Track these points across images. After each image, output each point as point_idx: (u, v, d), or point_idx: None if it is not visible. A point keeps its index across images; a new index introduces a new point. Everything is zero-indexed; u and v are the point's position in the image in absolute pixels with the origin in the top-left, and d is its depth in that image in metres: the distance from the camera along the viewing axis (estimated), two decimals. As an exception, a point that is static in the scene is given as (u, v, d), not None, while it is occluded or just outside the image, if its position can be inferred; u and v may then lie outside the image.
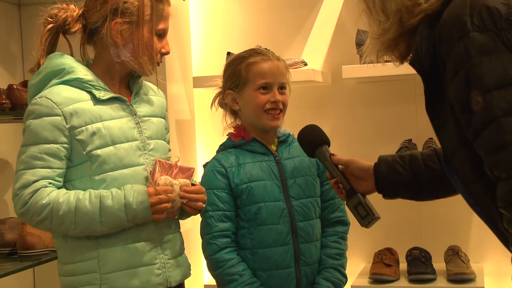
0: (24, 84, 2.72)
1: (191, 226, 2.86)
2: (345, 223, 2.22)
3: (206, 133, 3.18)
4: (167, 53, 1.97)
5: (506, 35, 1.23)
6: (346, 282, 2.20)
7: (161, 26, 1.93)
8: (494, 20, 1.24)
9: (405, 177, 1.82)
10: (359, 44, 2.83)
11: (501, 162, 1.22)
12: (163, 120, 2.05)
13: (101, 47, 1.93)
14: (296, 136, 2.10)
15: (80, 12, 1.93)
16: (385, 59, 2.50)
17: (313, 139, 1.98)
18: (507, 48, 1.23)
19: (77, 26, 1.93)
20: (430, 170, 1.78)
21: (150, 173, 1.88)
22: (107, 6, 1.88)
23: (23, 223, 2.58)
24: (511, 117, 1.21)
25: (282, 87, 2.15)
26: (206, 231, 2.11)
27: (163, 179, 1.87)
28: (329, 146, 1.97)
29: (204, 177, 2.16)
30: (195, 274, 2.54)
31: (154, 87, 2.08)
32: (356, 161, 1.90)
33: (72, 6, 1.94)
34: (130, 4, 1.87)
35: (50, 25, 1.93)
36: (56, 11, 1.94)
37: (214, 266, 2.10)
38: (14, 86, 2.67)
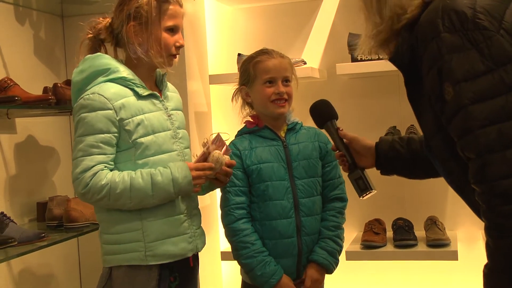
0: (67, 82, 2.70)
1: (209, 202, 2.87)
2: (343, 200, 2.22)
3: (221, 123, 3.18)
4: (181, 46, 1.95)
5: (472, 35, 1.22)
6: (341, 250, 2.19)
7: (169, 23, 1.91)
8: (461, 22, 1.23)
9: (403, 155, 1.79)
10: (350, 45, 2.82)
11: (470, 144, 1.22)
12: (182, 113, 2.06)
13: (126, 49, 1.95)
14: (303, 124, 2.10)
15: (108, 21, 1.95)
16: (377, 56, 2.55)
17: (324, 112, 1.94)
18: (473, 46, 1.22)
19: (106, 34, 1.94)
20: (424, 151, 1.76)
21: (207, 141, 1.91)
22: (123, 13, 1.90)
23: (68, 200, 2.62)
24: (477, 105, 1.21)
25: (286, 80, 2.14)
26: (225, 203, 2.12)
27: (216, 154, 1.90)
28: (337, 120, 1.93)
29: None
30: (213, 242, 2.57)
31: (172, 86, 2.09)
32: (360, 138, 1.86)
33: (108, 19, 1.96)
34: (140, 8, 1.88)
35: (89, 36, 1.96)
36: (94, 23, 1.96)
37: (231, 234, 2.11)
38: (59, 84, 2.68)
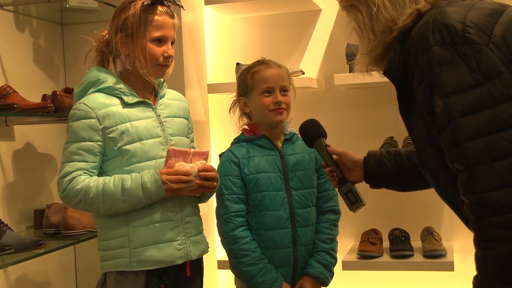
0: (66, 90, 2.74)
1: (206, 211, 2.87)
2: (337, 212, 2.23)
3: (219, 132, 3.18)
4: (170, 56, 1.95)
5: (462, 49, 1.23)
6: (335, 263, 2.19)
7: (156, 34, 1.92)
8: (451, 36, 1.25)
9: (391, 169, 1.81)
10: (348, 56, 2.81)
11: (458, 156, 1.23)
12: (185, 121, 2.06)
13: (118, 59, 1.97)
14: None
15: (106, 34, 1.99)
16: (372, 70, 2.55)
17: (313, 131, 1.96)
18: (462, 59, 1.23)
19: (104, 47, 1.98)
20: (412, 164, 1.76)
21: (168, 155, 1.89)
22: (114, 25, 1.95)
23: (66, 207, 2.61)
24: (466, 117, 1.22)
25: (284, 90, 2.15)
26: (223, 211, 2.11)
27: (176, 165, 1.87)
28: (326, 138, 1.96)
29: (220, 165, 2.16)
30: (209, 251, 2.55)
31: (179, 93, 2.11)
32: (348, 153, 1.89)
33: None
34: (127, 20, 1.91)
35: (92, 48, 2.00)
36: (98, 37, 2.00)
37: (230, 242, 2.10)
38: (57, 92, 2.70)
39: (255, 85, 2.14)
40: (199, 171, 1.88)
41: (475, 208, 1.22)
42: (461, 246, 2.90)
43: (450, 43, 1.25)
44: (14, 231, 2.45)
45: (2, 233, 2.35)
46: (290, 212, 2.11)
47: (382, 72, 1.48)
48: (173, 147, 1.90)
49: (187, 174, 1.86)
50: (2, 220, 2.43)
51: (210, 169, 1.92)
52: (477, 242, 1.24)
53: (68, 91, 2.73)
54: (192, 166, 1.88)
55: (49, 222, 2.66)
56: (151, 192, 1.85)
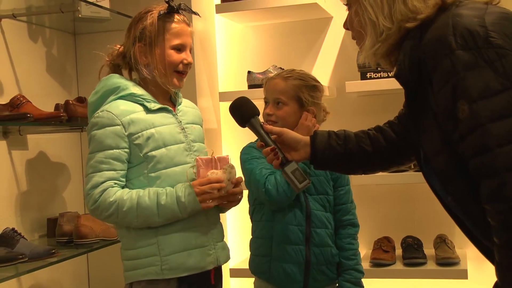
0: (79, 100, 2.75)
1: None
2: (356, 225, 2.24)
3: (230, 141, 3.19)
4: (189, 63, 1.96)
5: (486, 53, 1.21)
6: (363, 275, 2.22)
7: (175, 42, 1.93)
8: (475, 40, 1.23)
9: (340, 152, 1.71)
10: (360, 63, 2.82)
11: (486, 163, 1.20)
12: (201, 128, 2.08)
13: (136, 69, 1.98)
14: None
15: (121, 47, 2.00)
16: (387, 74, 2.52)
17: (244, 111, 1.77)
18: (487, 64, 1.21)
19: (119, 60, 1.99)
20: (361, 149, 1.70)
21: (195, 173, 1.90)
22: (131, 36, 1.94)
23: (78, 216, 2.63)
24: (495, 123, 1.19)
25: (278, 102, 2.16)
26: (263, 172, 2.10)
27: (209, 174, 1.88)
28: (258, 116, 1.77)
29: (245, 152, 2.19)
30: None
31: (190, 101, 2.12)
32: (288, 131, 1.75)
33: (122, 46, 2.00)
34: (146, 29, 1.91)
35: (106, 62, 2.01)
36: (111, 50, 2.01)
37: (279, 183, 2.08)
38: (70, 101, 2.70)
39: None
40: (231, 182, 1.90)
41: (503, 216, 1.19)
42: (475, 253, 2.81)
43: (473, 47, 1.22)
44: (27, 240, 2.46)
45: (15, 242, 2.37)
46: (306, 212, 2.12)
47: (391, 74, 1.45)
48: (200, 157, 1.91)
49: (219, 181, 1.86)
50: (15, 229, 2.45)
51: (240, 182, 1.95)
52: (502, 250, 1.21)
53: (81, 100, 2.74)
54: (223, 171, 1.88)
55: (62, 231, 2.66)
56: (186, 206, 1.85)
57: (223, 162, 1.92)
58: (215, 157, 1.92)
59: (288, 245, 2.12)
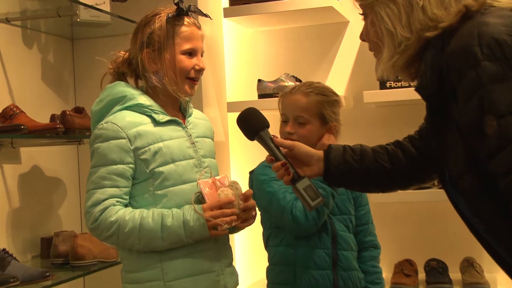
0: (76, 110, 2.73)
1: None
2: (378, 247, 2.23)
3: (239, 153, 3.17)
4: (202, 69, 1.92)
5: None
6: None
7: (186, 46, 1.89)
8: (502, 50, 1.20)
9: (356, 169, 1.67)
10: (378, 77, 2.80)
11: None
12: (212, 141, 2.02)
13: (144, 77, 1.94)
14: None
15: (126, 54, 1.95)
16: (408, 84, 2.48)
17: (253, 123, 1.72)
18: None
19: (124, 67, 1.94)
20: (379, 166, 1.67)
21: (202, 197, 1.84)
22: (138, 41, 1.90)
23: (75, 235, 2.65)
24: None
25: (299, 120, 2.11)
26: (287, 198, 2.05)
27: (219, 193, 1.82)
28: (268, 128, 1.72)
29: (262, 173, 2.12)
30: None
31: (201, 112, 2.08)
32: (300, 145, 1.71)
33: (127, 52, 1.97)
34: (153, 33, 1.87)
35: (109, 70, 1.97)
36: (114, 57, 1.97)
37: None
38: (67, 112, 2.68)
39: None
40: (239, 197, 1.85)
41: None
42: (506, 278, 2.73)
43: (501, 57, 1.20)
44: (19, 262, 2.43)
45: (6, 263, 2.34)
46: (332, 234, 2.08)
47: (414, 88, 1.41)
48: (201, 180, 1.86)
49: (230, 201, 1.81)
50: (6, 250, 2.42)
51: (250, 195, 1.88)
52: None
53: (79, 110, 2.72)
54: (233, 194, 1.84)
55: (57, 252, 2.63)
56: (193, 231, 1.79)
57: (222, 182, 1.89)
58: (215, 178, 1.89)
59: (314, 270, 2.07)
